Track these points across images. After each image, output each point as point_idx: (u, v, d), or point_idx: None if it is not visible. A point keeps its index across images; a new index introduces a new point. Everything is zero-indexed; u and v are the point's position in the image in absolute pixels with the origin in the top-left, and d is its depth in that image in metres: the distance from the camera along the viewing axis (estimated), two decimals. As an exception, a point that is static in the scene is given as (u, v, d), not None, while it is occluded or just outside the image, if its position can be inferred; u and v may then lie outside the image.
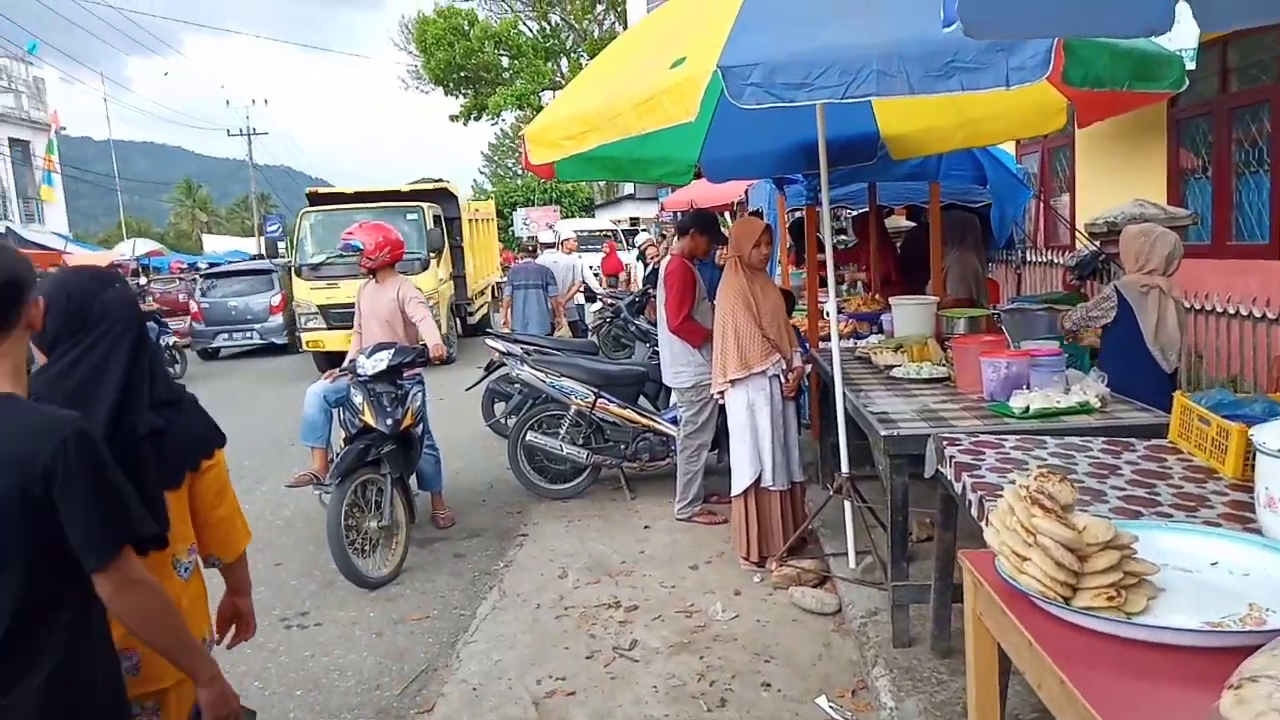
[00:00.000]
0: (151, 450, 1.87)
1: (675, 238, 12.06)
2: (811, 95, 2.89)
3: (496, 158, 69.96)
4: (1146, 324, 3.87)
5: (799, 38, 3.04)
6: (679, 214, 16.90)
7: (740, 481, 4.63)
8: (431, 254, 12.79)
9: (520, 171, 65.90)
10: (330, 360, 10.56)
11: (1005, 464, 2.56)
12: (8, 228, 26.76)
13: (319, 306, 12.52)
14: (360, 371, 4.97)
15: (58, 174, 30.25)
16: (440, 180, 14.25)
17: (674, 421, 5.72)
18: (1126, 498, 2.16)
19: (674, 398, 5.70)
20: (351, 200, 13.25)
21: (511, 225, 36.83)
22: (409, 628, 4.24)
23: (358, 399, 4.89)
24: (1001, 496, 2.36)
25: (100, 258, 25.62)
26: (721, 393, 4.71)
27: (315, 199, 13.63)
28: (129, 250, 27.58)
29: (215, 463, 2.05)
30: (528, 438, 5.89)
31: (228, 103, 44.75)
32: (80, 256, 24.10)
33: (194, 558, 2.05)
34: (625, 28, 30.61)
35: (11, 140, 27.53)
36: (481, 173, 72.21)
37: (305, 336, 12.68)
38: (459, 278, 14.65)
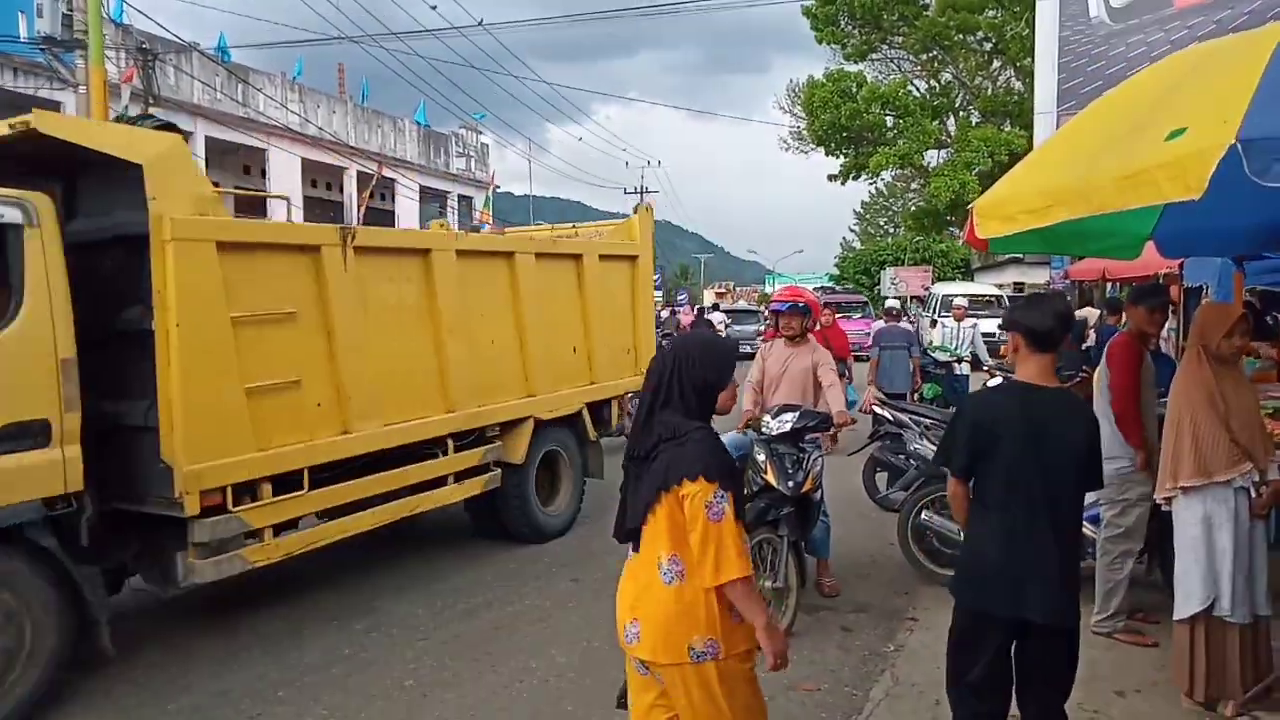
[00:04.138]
0: (641, 472, 2.49)
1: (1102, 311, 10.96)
2: (1366, 171, 2.43)
3: (868, 216, 69.61)
4: None
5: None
6: (1080, 284, 15.46)
7: (1188, 605, 3.98)
8: None
9: (890, 230, 65.05)
10: None
11: None
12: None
13: None
14: (765, 430, 5.08)
15: (489, 226, 35.52)
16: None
17: (1092, 520, 5.12)
18: None
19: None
20: None
21: (879, 284, 36.27)
22: (800, 697, 4.19)
23: (761, 457, 4.99)
24: None
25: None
26: (1167, 499, 4.12)
27: None
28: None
29: (689, 492, 2.34)
30: (921, 516, 5.63)
31: (626, 164, 49.76)
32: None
33: (676, 567, 2.40)
34: (1025, 84, 28.94)
35: (460, 197, 32.87)
36: (851, 230, 72.40)
37: None
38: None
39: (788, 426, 5.01)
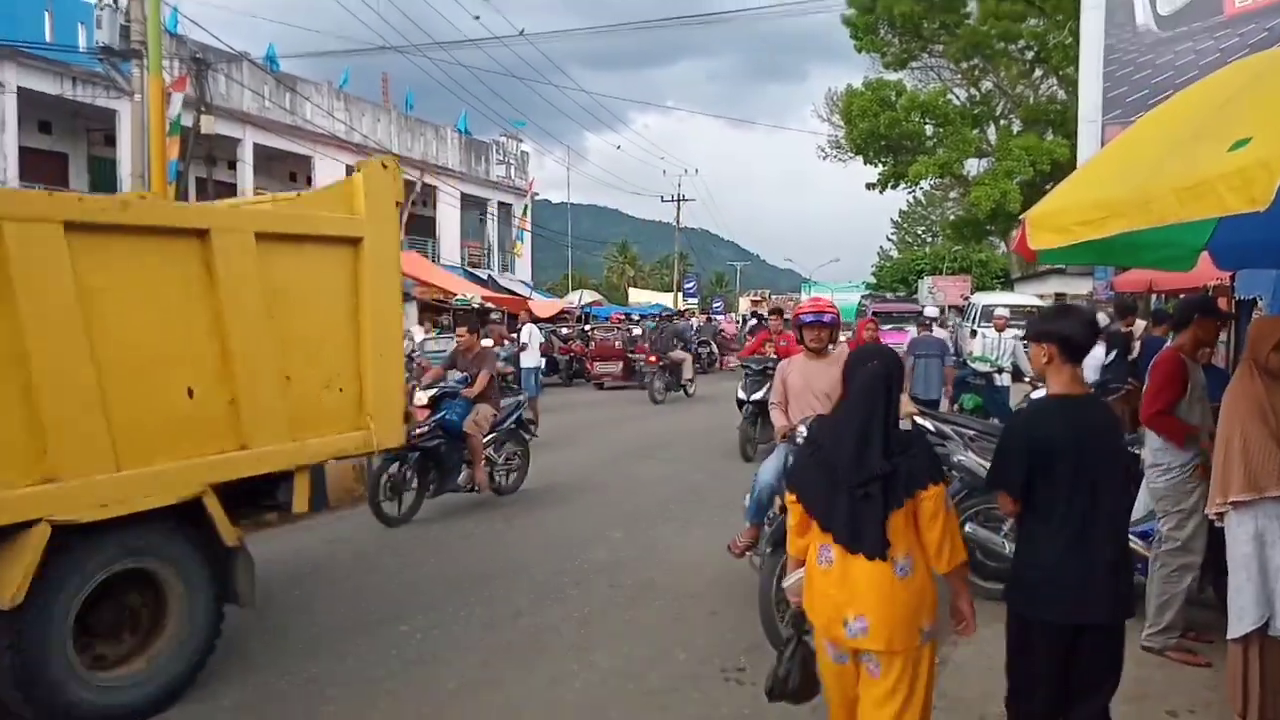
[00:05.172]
0: (881, 486, 2.67)
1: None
2: None
3: (906, 225, 68.95)
4: None
5: None
6: (1122, 295, 15.15)
7: (1241, 624, 3.90)
8: None
9: (928, 239, 64.30)
10: None
11: None
12: (489, 275, 32.18)
13: None
14: (798, 441, 5.06)
15: (528, 232, 35.78)
16: None
17: (1143, 535, 5.04)
18: None
19: (1142, 504, 5.04)
20: None
21: (916, 293, 35.94)
22: (842, 708, 4.17)
23: (801, 468, 4.99)
24: None
25: (552, 305, 29.69)
26: (1219, 514, 4.05)
27: None
28: (576, 299, 31.58)
29: (930, 495, 2.69)
30: (966, 529, 5.56)
31: (664, 172, 50.04)
32: (540, 303, 28.11)
33: (909, 562, 2.71)
34: (1068, 92, 28.56)
35: (500, 204, 33.22)
36: (889, 239, 71.73)
37: None
38: None
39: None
